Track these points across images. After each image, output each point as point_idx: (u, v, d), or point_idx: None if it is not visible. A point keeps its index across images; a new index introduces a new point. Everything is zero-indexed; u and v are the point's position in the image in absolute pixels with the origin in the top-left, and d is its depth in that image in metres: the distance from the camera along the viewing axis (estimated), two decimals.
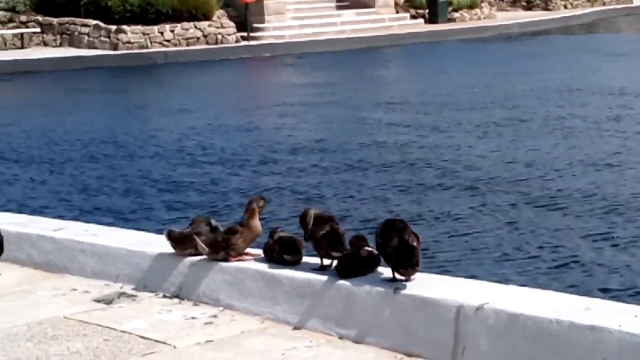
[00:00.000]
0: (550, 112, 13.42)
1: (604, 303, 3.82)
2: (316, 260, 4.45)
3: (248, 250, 4.68)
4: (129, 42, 24.61)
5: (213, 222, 4.86)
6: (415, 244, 4.06)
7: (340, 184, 9.33)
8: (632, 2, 38.60)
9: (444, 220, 7.87)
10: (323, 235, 4.34)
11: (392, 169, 9.97)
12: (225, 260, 4.63)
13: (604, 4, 37.56)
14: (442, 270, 6.03)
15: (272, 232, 4.63)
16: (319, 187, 9.25)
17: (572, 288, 5.86)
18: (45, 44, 25.42)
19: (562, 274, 6.40)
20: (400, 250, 4.04)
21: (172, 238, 4.80)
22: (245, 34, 25.94)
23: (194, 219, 4.98)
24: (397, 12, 30.01)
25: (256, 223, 4.62)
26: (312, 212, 4.46)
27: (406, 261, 4.04)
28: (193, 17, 25.46)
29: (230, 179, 9.79)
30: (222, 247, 4.63)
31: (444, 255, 6.87)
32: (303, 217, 4.45)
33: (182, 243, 4.79)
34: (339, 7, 29.24)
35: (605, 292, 5.82)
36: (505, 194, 8.70)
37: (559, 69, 19.07)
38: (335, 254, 4.31)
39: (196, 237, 4.71)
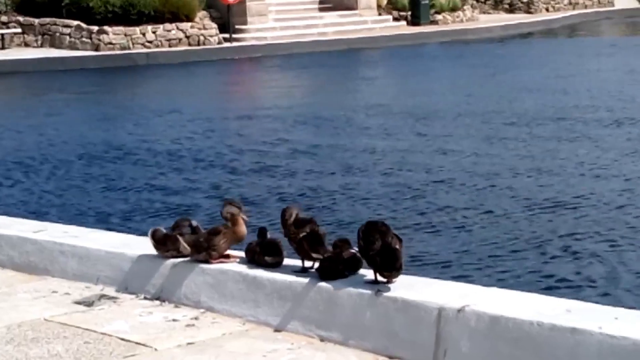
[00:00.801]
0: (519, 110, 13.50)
1: (585, 305, 3.83)
2: (298, 262, 4.45)
3: (229, 252, 4.67)
4: (110, 43, 24.54)
5: (194, 223, 4.86)
6: (398, 246, 4.07)
7: (320, 187, 9.33)
8: (613, 6, 38.82)
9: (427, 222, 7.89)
10: (303, 237, 4.34)
11: (368, 172, 9.98)
12: (207, 261, 4.62)
13: (586, 7, 37.75)
14: (424, 272, 6.03)
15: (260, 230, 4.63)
16: (299, 189, 9.24)
17: (554, 290, 5.87)
18: (27, 45, 25.32)
19: (544, 277, 6.42)
20: (383, 254, 4.04)
21: (155, 238, 4.79)
22: (227, 35, 25.92)
23: (177, 221, 4.97)
24: (380, 14, 30.07)
25: (241, 227, 4.61)
26: (294, 211, 4.47)
27: (390, 264, 4.04)
28: (175, 18, 25.42)
29: (210, 181, 9.77)
30: (204, 248, 4.62)
31: (425, 257, 6.87)
32: (283, 215, 4.45)
33: (164, 244, 4.78)
34: (321, 9, 29.26)
35: (587, 295, 5.83)
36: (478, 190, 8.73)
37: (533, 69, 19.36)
38: (315, 255, 4.31)
39: (179, 237, 4.71)
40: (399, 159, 10.62)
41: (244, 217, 4.61)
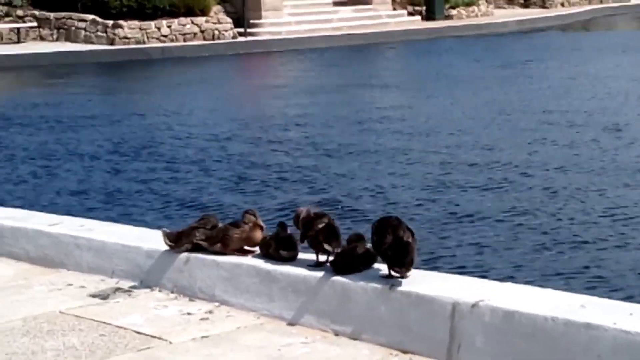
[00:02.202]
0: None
1: (600, 301, 3.82)
2: (312, 256, 4.45)
3: (246, 247, 4.69)
4: (125, 37, 24.58)
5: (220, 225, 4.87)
6: (410, 240, 4.07)
7: (340, 178, 9.33)
8: (629, 1, 38.63)
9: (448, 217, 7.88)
10: (320, 229, 4.34)
11: (385, 165, 9.98)
12: (222, 252, 4.64)
13: (601, 1, 37.58)
14: (438, 266, 6.03)
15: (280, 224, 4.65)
16: (317, 181, 9.24)
17: (568, 285, 5.86)
18: (42, 39, 25.39)
19: (559, 272, 6.41)
20: (395, 248, 4.05)
21: (170, 239, 4.80)
22: (242, 30, 25.93)
23: (203, 216, 4.96)
24: (395, 9, 30.01)
25: (257, 232, 4.63)
26: (304, 209, 4.48)
27: (401, 259, 4.05)
28: (190, 13, 25.44)
29: (227, 176, 9.78)
30: (219, 238, 4.64)
31: (441, 251, 6.87)
32: (297, 217, 4.46)
33: (179, 240, 4.79)
34: (336, 4, 29.22)
35: (601, 290, 5.83)
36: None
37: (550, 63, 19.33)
38: (327, 247, 4.29)
39: (193, 230, 4.74)
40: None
41: (262, 223, 4.64)
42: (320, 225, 4.36)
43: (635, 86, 15.84)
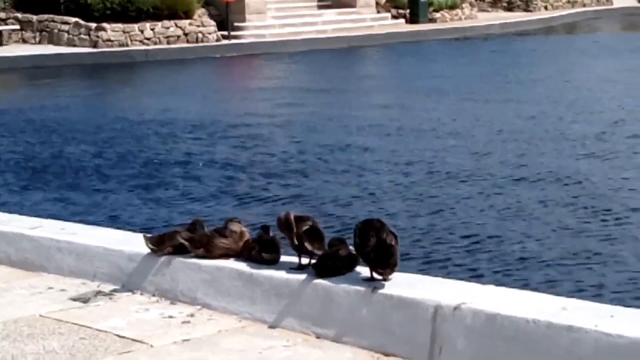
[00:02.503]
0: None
1: (581, 303, 3.83)
2: (294, 259, 4.44)
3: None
4: (109, 40, 24.52)
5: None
6: (393, 243, 4.07)
7: (319, 187, 9.33)
8: (612, 4, 38.81)
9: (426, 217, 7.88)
10: (304, 231, 4.33)
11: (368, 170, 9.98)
12: (205, 257, 4.62)
13: (584, 5, 37.74)
14: (420, 269, 6.03)
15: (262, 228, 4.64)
16: (299, 189, 9.24)
17: (550, 288, 5.87)
18: (25, 41, 25.28)
19: (538, 274, 6.42)
20: (378, 250, 4.04)
21: (153, 243, 4.79)
22: (226, 32, 25.90)
23: (194, 220, 4.92)
24: (379, 12, 30.04)
25: (242, 244, 4.62)
26: (284, 214, 4.47)
27: (384, 261, 4.04)
28: (174, 16, 25.39)
29: (211, 180, 9.77)
30: (203, 243, 4.63)
31: (422, 254, 6.87)
32: (280, 220, 4.44)
33: (162, 244, 4.78)
34: (320, 7, 29.23)
35: (582, 293, 5.84)
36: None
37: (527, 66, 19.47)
38: (308, 246, 4.28)
39: (176, 234, 4.73)
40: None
41: (248, 235, 4.63)
42: (304, 228, 4.35)
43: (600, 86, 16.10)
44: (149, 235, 4.90)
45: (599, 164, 9.96)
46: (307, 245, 4.30)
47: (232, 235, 4.62)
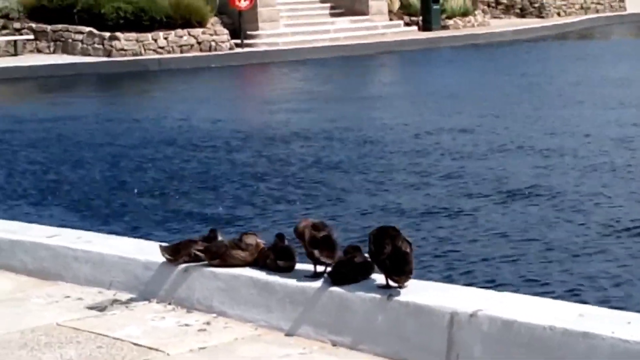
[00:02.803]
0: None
1: (597, 310, 3.83)
2: (310, 267, 4.45)
3: None
4: (122, 49, 24.62)
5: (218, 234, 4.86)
6: (408, 250, 4.07)
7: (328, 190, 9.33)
8: (624, 10, 38.74)
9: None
10: (316, 239, 4.34)
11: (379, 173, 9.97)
12: (220, 266, 4.64)
13: (597, 11, 37.69)
14: (436, 276, 6.03)
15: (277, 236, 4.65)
16: (310, 194, 9.24)
17: (566, 295, 5.86)
18: (39, 51, 25.41)
19: (556, 281, 6.41)
20: (394, 257, 4.05)
21: (169, 253, 4.80)
22: (239, 41, 25.97)
23: (212, 230, 4.93)
24: (391, 19, 30.07)
25: (254, 256, 4.63)
26: (306, 223, 4.47)
27: (399, 268, 4.05)
28: (187, 24, 25.48)
29: (229, 189, 9.79)
30: (220, 254, 4.64)
31: (438, 261, 6.87)
32: (297, 229, 4.45)
33: (177, 253, 4.79)
34: (332, 15, 29.29)
35: (599, 299, 5.82)
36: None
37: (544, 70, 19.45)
38: (317, 254, 4.29)
39: (191, 244, 4.74)
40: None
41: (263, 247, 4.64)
42: (318, 236, 4.36)
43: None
44: (164, 245, 4.92)
45: None
46: (316, 253, 4.31)
47: (249, 247, 4.63)
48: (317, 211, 8.38)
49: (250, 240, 4.67)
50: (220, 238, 4.81)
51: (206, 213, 8.63)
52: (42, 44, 25.47)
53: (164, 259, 4.83)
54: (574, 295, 5.97)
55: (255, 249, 4.64)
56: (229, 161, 11.20)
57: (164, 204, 9.10)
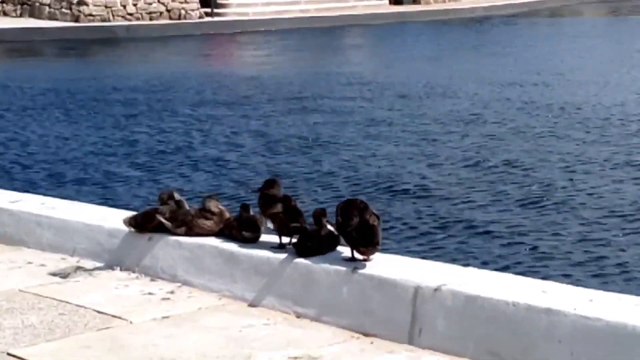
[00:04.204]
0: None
1: (560, 287, 3.85)
2: (276, 239, 4.44)
3: None
4: (90, 15, 24.37)
5: (177, 196, 4.82)
6: (376, 223, 4.06)
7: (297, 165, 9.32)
8: None
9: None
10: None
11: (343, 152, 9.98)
12: (186, 235, 4.61)
13: None
14: (401, 250, 6.05)
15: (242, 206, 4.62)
16: (278, 167, 9.23)
17: (530, 271, 5.90)
18: (5, 14, 25.10)
19: (520, 258, 6.45)
20: (360, 229, 4.04)
21: (135, 224, 4.75)
22: (209, 10, 25.78)
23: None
24: None
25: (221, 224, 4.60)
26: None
27: (367, 240, 4.04)
28: None
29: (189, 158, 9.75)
30: (186, 222, 4.61)
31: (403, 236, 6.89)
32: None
33: (145, 223, 4.74)
34: None
35: (562, 276, 5.87)
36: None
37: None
38: (294, 225, 4.28)
39: (158, 214, 4.68)
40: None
41: (228, 214, 4.60)
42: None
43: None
44: (128, 217, 4.83)
45: None
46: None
47: (213, 217, 4.60)
48: None
49: (213, 207, 4.63)
50: (187, 207, 4.77)
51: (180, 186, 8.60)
52: (9, 7, 25.17)
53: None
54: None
55: (220, 219, 4.61)
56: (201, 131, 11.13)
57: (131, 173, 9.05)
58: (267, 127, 11.29)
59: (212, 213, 4.62)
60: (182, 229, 4.63)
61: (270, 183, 4.49)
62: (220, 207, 4.66)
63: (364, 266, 4.06)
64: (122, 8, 24.71)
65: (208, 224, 4.59)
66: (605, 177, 8.68)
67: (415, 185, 8.36)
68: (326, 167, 9.15)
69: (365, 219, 4.06)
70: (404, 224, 7.22)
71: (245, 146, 10.20)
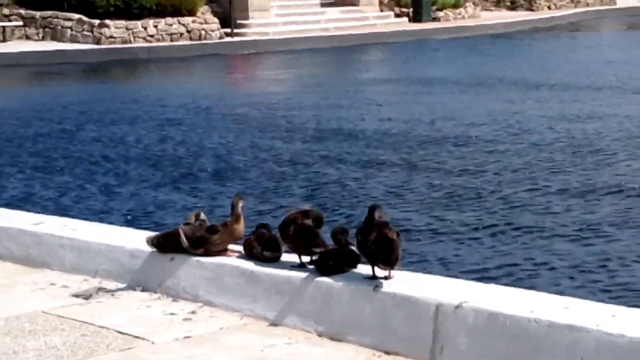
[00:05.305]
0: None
1: (583, 302, 3.83)
2: (295, 258, 4.44)
3: (231, 247, 4.67)
4: (111, 37, 24.53)
5: (202, 216, 4.83)
6: (395, 238, 4.06)
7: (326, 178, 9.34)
8: (615, 4, 38.80)
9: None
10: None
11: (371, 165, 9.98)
12: (206, 255, 4.61)
13: (587, 5, 37.72)
14: (423, 268, 6.03)
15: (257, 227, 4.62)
16: (302, 186, 9.24)
17: (552, 287, 5.86)
18: (28, 38, 25.30)
19: (542, 274, 6.42)
20: (380, 245, 4.03)
21: (156, 244, 4.77)
22: (229, 30, 25.91)
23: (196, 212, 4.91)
24: (382, 10, 30.06)
25: (238, 226, 4.59)
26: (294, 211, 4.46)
27: (386, 257, 4.03)
28: (177, 13, 25.42)
29: (218, 177, 9.78)
30: (202, 243, 4.62)
31: (425, 252, 6.87)
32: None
33: (166, 244, 4.75)
34: (323, 5, 29.25)
35: (584, 292, 5.83)
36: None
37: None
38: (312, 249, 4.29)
39: (180, 231, 4.69)
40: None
41: (239, 212, 4.60)
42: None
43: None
44: (150, 236, 4.86)
45: None
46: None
47: (223, 228, 4.59)
48: None
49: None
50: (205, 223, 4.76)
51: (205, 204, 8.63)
52: (31, 31, 25.37)
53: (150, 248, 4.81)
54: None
55: (230, 233, 4.58)
56: (223, 149, 11.19)
57: (150, 194, 9.09)
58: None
59: (223, 225, 4.60)
60: (201, 250, 4.63)
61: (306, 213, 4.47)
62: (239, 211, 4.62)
63: (385, 284, 4.05)
64: (143, 30, 24.87)
65: (217, 237, 4.58)
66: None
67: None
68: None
69: (384, 234, 4.05)
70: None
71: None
